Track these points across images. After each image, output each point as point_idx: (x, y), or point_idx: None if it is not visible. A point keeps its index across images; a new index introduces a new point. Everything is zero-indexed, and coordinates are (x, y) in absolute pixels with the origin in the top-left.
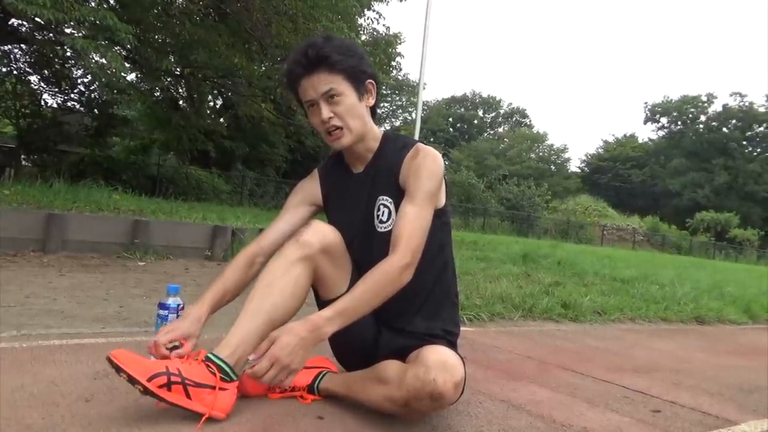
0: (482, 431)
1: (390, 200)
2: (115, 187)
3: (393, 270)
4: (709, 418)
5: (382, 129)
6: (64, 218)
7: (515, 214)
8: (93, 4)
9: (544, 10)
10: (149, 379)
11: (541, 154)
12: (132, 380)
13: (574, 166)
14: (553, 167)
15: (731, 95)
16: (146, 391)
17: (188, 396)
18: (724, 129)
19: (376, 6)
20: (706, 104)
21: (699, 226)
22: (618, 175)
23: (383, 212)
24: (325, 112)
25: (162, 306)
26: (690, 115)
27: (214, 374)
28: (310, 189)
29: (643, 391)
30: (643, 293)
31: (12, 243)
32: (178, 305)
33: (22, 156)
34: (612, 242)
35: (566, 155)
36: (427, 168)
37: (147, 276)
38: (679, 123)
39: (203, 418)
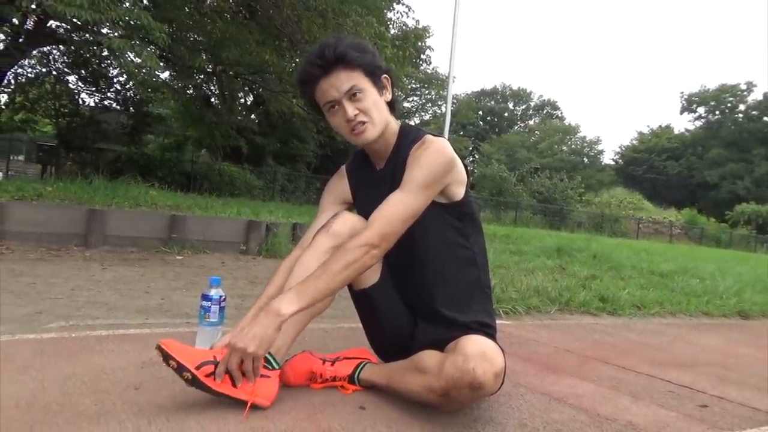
0: (525, 424)
1: None
2: (152, 183)
3: (352, 248)
4: (760, 414)
5: (399, 122)
6: (105, 214)
7: (547, 207)
8: (128, 4)
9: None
10: (197, 367)
11: (573, 146)
12: (180, 368)
13: (607, 159)
14: (585, 160)
15: None
16: (193, 381)
17: (234, 384)
18: (765, 118)
19: None
20: (745, 93)
21: (739, 219)
22: (653, 167)
23: None
24: (350, 110)
25: (205, 297)
26: (728, 104)
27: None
28: (340, 187)
29: (689, 386)
30: (683, 287)
31: (56, 238)
32: (220, 297)
33: (62, 154)
34: (648, 236)
35: (599, 147)
36: (424, 158)
37: (185, 270)
38: (717, 112)
39: (248, 405)
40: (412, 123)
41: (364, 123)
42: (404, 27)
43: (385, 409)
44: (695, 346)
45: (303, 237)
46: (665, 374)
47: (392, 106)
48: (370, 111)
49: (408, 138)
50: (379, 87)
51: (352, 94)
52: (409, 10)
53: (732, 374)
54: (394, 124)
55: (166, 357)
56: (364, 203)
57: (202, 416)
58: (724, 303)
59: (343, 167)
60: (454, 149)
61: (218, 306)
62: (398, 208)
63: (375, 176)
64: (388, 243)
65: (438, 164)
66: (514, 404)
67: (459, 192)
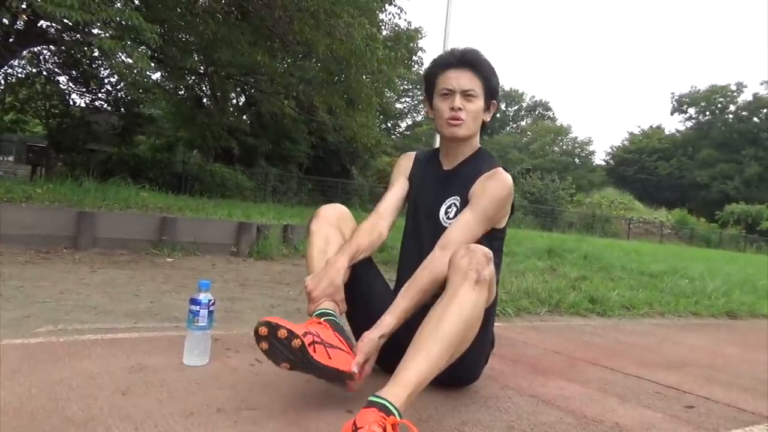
0: (512, 426)
1: (460, 202)
2: (143, 184)
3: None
4: (745, 414)
5: (480, 146)
6: (95, 216)
7: (539, 208)
8: (119, 4)
9: (567, 1)
10: (304, 335)
11: (564, 147)
12: (291, 335)
13: (599, 159)
14: (577, 160)
15: (762, 84)
16: (300, 349)
17: (329, 357)
18: (755, 119)
19: (398, 0)
20: (735, 93)
21: (729, 219)
22: (644, 168)
23: (452, 210)
24: (458, 102)
25: (194, 301)
26: (719, 105)
27: (343, 339)
28: (406, 164)
29: (676, 387)
30: (672, 287)
31: (45, 240)
32: (209, 301)
33: (52, 155)
34: (638, 236)
35: (591, 148)
36: (493, 191)
37: (175, 272)
38: (708, 113)
39: (354, 372)
40: (404, 124)
41: (461, 120)
42: (396, 28)
43: None
44: (683, 346)
45: (377, 205)
46: (653, 375)
47: (484, 127)
48: (470, 114)
49: (484, 158)
50: (486, 105)
51: (467, 94)
52: (401, 12)
53: (719, 375)
54: (477, 141)
55: (276, 327)
56: (417, 190)
57: (190, 421)
58: (712, 303)
59: (413, 152)
60: None
61: (207, 310)
62: (470, 231)
63: (438, 173)
64: None
65: (502, 199)
66: (501, 406)
67: (503, 221)
